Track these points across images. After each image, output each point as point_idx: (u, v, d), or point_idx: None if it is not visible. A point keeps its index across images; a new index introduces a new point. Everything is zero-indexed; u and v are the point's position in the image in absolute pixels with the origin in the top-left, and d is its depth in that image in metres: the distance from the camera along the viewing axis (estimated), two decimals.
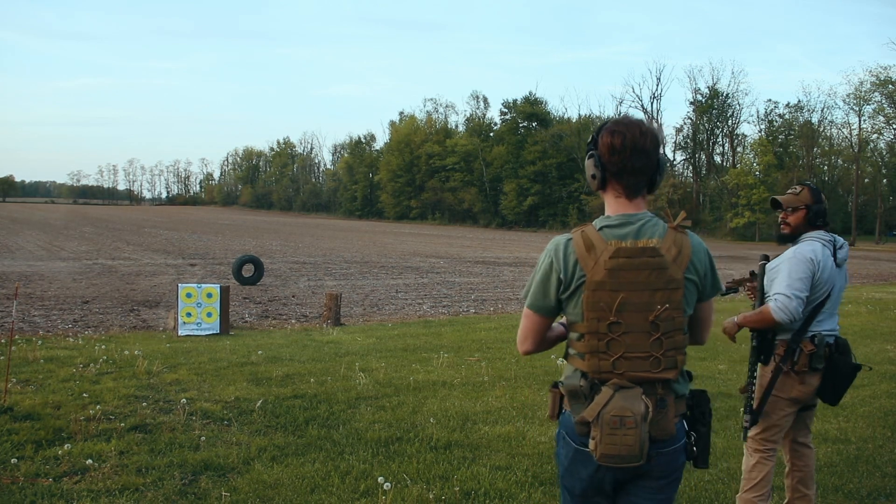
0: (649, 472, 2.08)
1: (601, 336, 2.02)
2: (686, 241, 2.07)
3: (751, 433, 3.49)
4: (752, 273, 3.40)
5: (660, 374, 2.03)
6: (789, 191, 3.51)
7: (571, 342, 2.14)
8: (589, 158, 2.13)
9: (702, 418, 2.15)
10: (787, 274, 3.26)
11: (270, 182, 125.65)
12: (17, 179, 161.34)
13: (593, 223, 2.09)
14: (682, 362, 2.07)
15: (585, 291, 2.01)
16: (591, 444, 1.98)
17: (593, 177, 2.12)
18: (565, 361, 2.21)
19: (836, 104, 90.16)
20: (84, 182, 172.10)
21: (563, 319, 2.23)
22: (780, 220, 3.48)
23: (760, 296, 3.42)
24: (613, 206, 2.12)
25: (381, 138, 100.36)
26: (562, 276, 2.06)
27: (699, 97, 63.79)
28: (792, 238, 3.44)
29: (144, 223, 52.29)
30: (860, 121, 57.60)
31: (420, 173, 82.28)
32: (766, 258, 3.49)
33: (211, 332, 9.42)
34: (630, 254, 2.00)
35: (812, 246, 3.34)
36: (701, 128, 64.36)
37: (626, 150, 2.04)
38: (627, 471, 2.05)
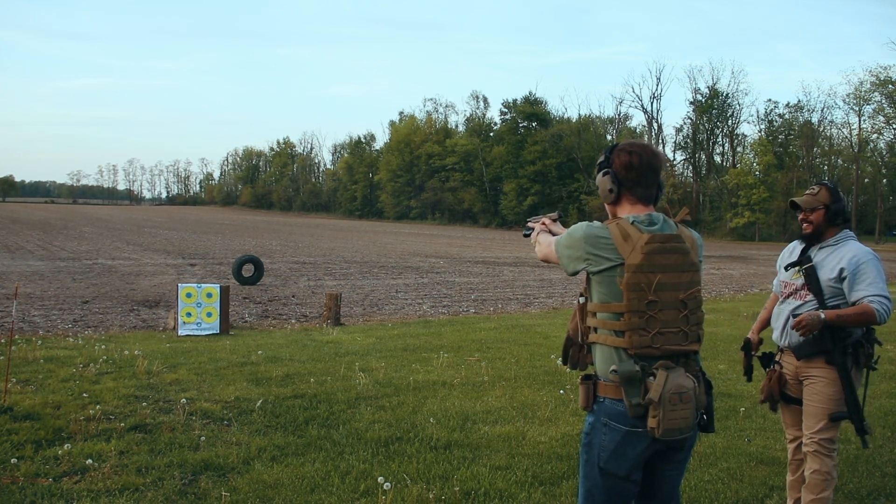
0: (682, 443, 2.34)
1: (641, 314, 2.25)
2: (692, 233, 2.41)
3: (829, 434, 3.42)
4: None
5: (688, 347, 2.31)
6: (807, 192, 3.56)
7: (603, 322, 2.32)
8: (604, 175, 2.42)
9: (709, 388, 2.39)
10: (877, 275, 3.35)
11: (270, 182, 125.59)
12: (17, 179, 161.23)
13: (624, 217, 2.35)
14: (702, 335, 2.37)
15: (626, 274, 2.25)
16: (652, 422, 2.20)
17: (610, 191, 2.40)
18: (592, 347, 2.38)
19: (836, 104, 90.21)
20: (84, 182, 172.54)
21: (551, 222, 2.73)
22: (800, 220, 3.53)
23: (820, 297, 3.40)
24: (631, 211, 2.39)
25: (381, 138, 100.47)
26: (591, 250, 2.30)
27: (699, 97, 63.77)
28: (817, 237, 3.50)
29: (144, 223, 52.28)
30: (860, 121, 57.65)
31: (420, 173, 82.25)
32: (810, 259, 3.48)
33: (211, 332, 9.42)
34: (663, 240, 2.28)
35: (867, 246, 3.48)
36: (701, 128, 64.32)
37: (642, 167, 2.37)
38: (670, 442, 2.28)
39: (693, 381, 2.27)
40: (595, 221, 2.38)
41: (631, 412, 2.24)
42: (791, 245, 3.74)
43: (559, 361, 7.43)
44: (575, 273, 2.41)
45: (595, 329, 2.35)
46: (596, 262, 2.30)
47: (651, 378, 2.22)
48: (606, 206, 2.49)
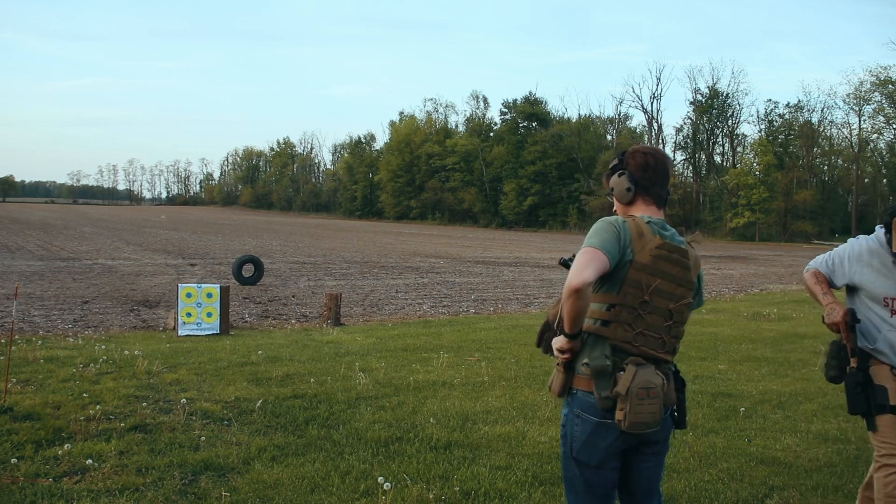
0: (655, 436, 2.42)
1: (631, 310, 2.32)
2: (697, 256, 2.51)
3: None
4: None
5: (663, 355, 2.39)
6: None
7: (592, 311, 2.35)
8: (620, 176, 2.49)
9: (681, 387, 2.50)
10: None
11: (270, 182, 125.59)
12: (17, 179, 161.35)
13: (640, 216, 2.41)
14: (678, 349, 2.48)
15: (630, 269, 2.31)
16: (620, 414, 2.27)
17: (628, 189, 2.47)
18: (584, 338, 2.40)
19: (836, 104, 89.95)
20: (84, 182, 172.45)
21: None
22: None
23: None
24: (645, 211, 2.48)
25: (381, 138, 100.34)
26: (623, 239, 2.32)
27: (699, 97, 63.79)
28: None
29: (145, 223, 52.29)
30: (860, 121, 57.66)
31: (420, 173, 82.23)
32: None
33: (211, 332, 9.42)
34: (671, 249, 2.37)
35: None
36: (701, 128, 64.33)
37: (657, 167, 2.48)
38: (641, 436, 2.36)
39: (662, 378, 2.34)
40: (609, 217, 2.40)
41: (600, 404, 2.33)
42: (861, 244, 3.25)
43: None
44: (617, 257, 2.29)
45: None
46: (622, 245, 2.32)
47: (620, 372, 2.30)
48: (619, 207, 2.54)
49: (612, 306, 2.33)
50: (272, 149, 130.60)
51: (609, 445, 2.37)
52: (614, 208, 2.60)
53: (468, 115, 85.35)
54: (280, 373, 6.80)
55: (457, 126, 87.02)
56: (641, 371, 2.29)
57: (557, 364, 2.44)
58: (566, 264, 2.46)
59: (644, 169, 2.47)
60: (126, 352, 7.58)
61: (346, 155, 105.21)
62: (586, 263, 2.23)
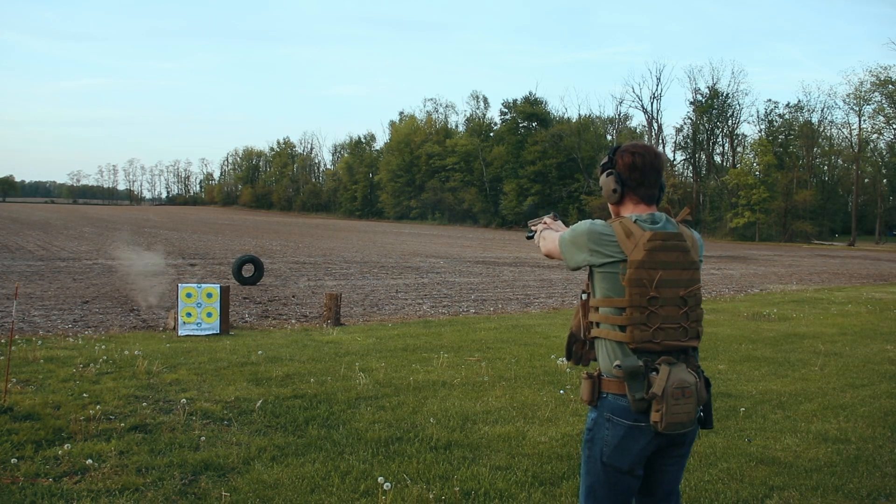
0: (683, 438, 2.40)
1: (643, 309, 2.29)
2: (693, 233, 2.45)
3: None
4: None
5: (688, 343, 2.35)
6: None
7: (605, 317, 2.36)
8: (608, 176, 2.47)
9: (707, 386, 2.42)
10: None
11: (270, 182, 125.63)
12: (17, 179, 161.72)
13: (627, 216, 2.41)
14: (701, 332, 2.41)
15: (628, 270, 2.30)
16: (656, 416, 2.24)
17: (614, 191, 2.45)
18: (597, 341, 2.42)
19: (836, 104, 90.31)
20: (84, 182, 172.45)
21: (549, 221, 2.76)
22: None
23: None
24: (634, 210, 2.45)
25: (381, 138, 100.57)
26: (593, 246, 2.35)
27: (699, 97, 63.81)
28: None
29: (144, 223, 52.27)
30: (860, 121, 57.69)
31: (420, 173, 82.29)
32: None
33: (211, 332, 9.42)
34: (664, 238, 2.33)
35: None
36: (701, 128, 64.34)
37: (645, 168, 2.42)
38: (672, 437, 2.35)
39: (694, 376, 2.32)
40: (598, 220, 2.42)
41: (634, 407, 2.28)
42: None
43: (559, 361, 7.43)
44: (577, 267, 2.45)
45: (597, 324, 2.39)
46: (598, 257, 2.35)
47: (654, 373, 2.27)
48: (610, 206, 2.53)
49: (622, 310, 2.31)
50: (272, 149, 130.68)
51: (641, 449, 2.34)
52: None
53: (468, 115, 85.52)
54: (280, 373, 6.80)
55: (457, 126, 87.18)
56: (675, 370, 2.26)
57: (584, 372, 2.45)
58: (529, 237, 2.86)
59: (631, 169, 2.42)
60: (126, 352, 7.58)
61: (346, 155, 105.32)
62: (549, 252, 2.60)
